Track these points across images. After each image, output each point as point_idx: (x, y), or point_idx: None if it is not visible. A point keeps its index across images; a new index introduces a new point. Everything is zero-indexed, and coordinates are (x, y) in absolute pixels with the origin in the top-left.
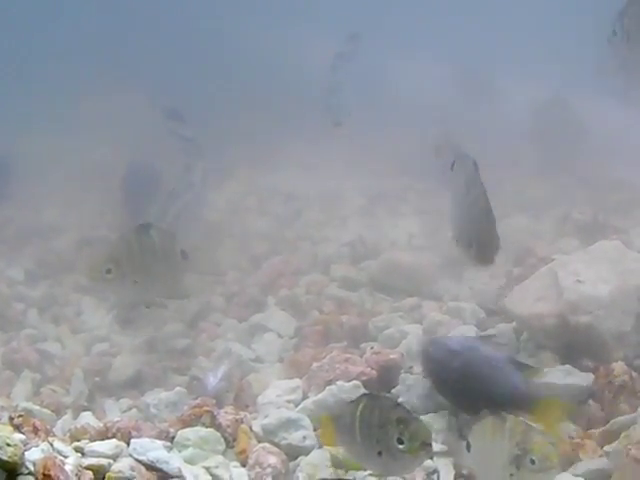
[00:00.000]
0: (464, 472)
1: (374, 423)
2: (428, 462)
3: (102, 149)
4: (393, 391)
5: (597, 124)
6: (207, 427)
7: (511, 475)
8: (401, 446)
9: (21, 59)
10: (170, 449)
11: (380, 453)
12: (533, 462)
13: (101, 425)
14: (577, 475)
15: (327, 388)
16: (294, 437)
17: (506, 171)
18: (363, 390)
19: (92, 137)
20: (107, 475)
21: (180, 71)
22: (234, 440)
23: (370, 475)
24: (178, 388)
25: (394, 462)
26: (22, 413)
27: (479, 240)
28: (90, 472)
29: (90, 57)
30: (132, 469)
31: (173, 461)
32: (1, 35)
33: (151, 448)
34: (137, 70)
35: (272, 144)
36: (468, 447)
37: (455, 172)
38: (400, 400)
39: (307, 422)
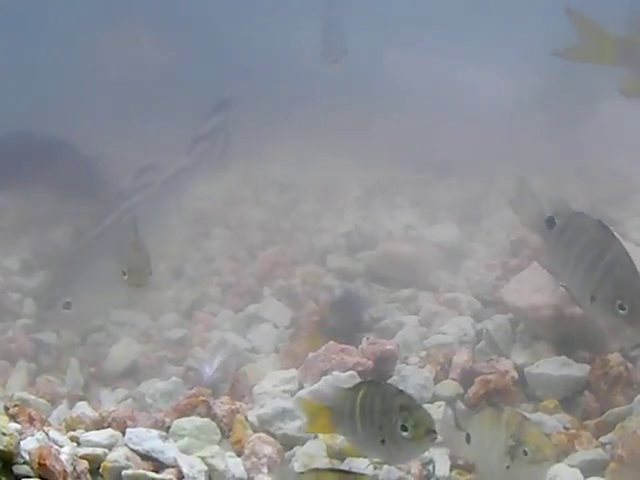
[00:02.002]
0: (459, 462)
1: (376, 410)
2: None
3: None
4: (389, 382)
5: (593, 116)
6: (203, 417)
7: (507, 467)
8: (405, 433)
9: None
10: (166, 439)
11: (383, 441)
12: (526, 453)
13: (96, 415)
14: (572, 466)
15: (323, 378)
16: (290, 427)
17: (502, 162)
18: (359, 380)
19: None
20: (103, 464)
21: (174, 62)
22: (230, 430)
23: (373, 463)
24: (174, 378)
25: (398, 450)
26: (17, 403)
27: (633, 302)
28: (85, 461)
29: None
30: (127, 459)
31: (169, 451)
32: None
33: (147, 438)
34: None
35: (268, 134)
36: (468, 439)
37: (563, 230)
38: None
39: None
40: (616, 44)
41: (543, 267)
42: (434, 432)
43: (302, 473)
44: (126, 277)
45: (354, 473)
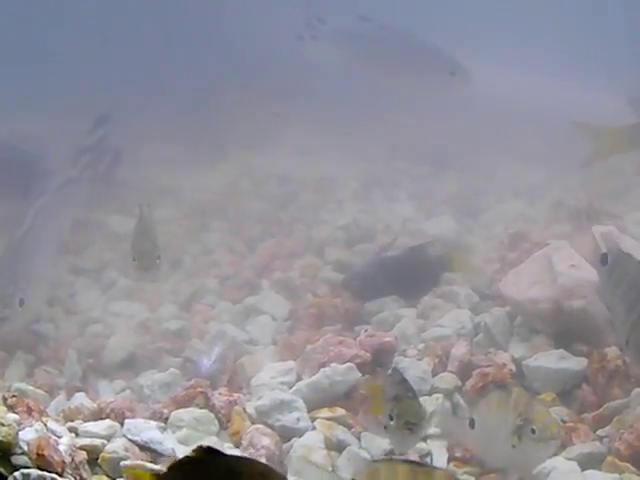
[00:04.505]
0: (458, 454)
1: (387, 398)
2: (422, 445)
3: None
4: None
5: (590, 109)
6: (201, 408)
7: (513, 446)
8: (391, 422)
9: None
10: (164, 430)
11: (385, 428)
12: (534, 432)
13: (95, 406)
14: (570, 459)
15: (321, 370)
16: (288, 419)
17: (501, 156)
18: (357, 372)
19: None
20: (101, 455)
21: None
22: (228, 421)
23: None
24: (172, 369)
25: (392, 438)
26: (16, 394)
27: None
28: (84, 452)
29: None
30: (126, 449)
31: (167, 442)
32: None
33: (145, 429)
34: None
35: (267, 126)
36: (472, 424)
37: (612, 269)
38: None
39: (301, 404)
40: (625, 134)
41: (602, 301)
42: (414, 424)
43: (375, 461)
44: (135, 262)
45: (426, 465)
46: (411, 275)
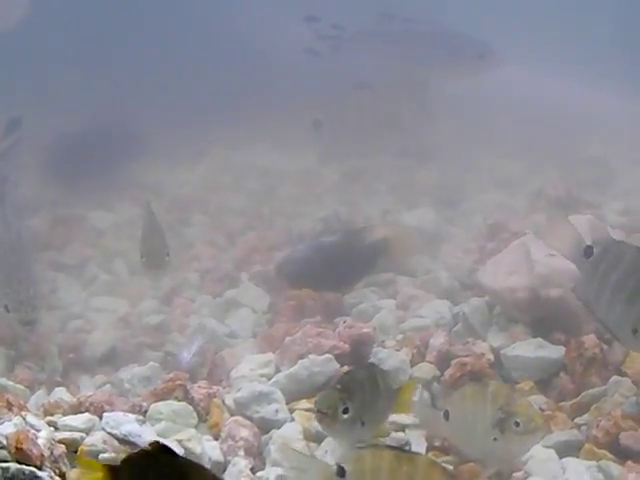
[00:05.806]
0: (436, 444)
1: None
2: (400, 434)
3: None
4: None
5: (573, 103)
6: (180, 401)
7: (494, 439)
8: None
9: None
10: (143, 423)
11: None
12: (518, 424)
13: (74, 400)
14: (548, 447)
15: (299, 361)
16: (266, 410)
17: (482, 148)
18: (335, 363)
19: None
20: (80, 448)
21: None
22: (207, 414)
23: None
24: (151, 363)
25: None
26: None
27: None
28: (63, 446)
29: None
30: (105, 443)
31: (146, 434)
32: None
33: (124, 422)
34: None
35: (247, 121)
36: (446, 416)
37: (600, 259)
38: None
39: (279, 395)
40: None
41: (577, 298)
42: (324, 414)
43: (360, 447)
44: (144, 260)
45: (410, 452)
46: (346, 261)
